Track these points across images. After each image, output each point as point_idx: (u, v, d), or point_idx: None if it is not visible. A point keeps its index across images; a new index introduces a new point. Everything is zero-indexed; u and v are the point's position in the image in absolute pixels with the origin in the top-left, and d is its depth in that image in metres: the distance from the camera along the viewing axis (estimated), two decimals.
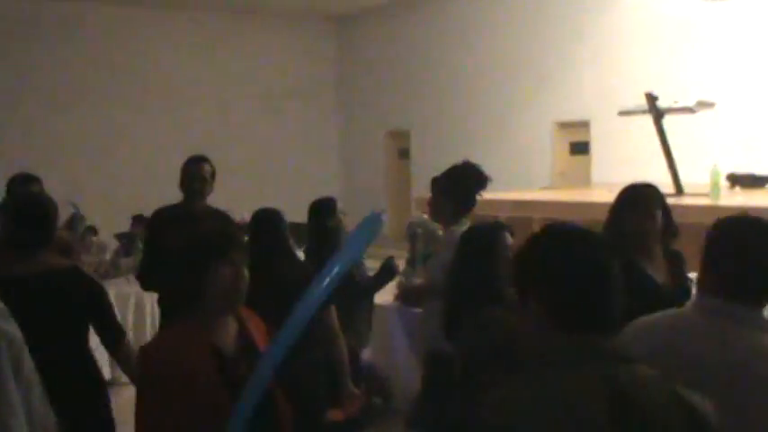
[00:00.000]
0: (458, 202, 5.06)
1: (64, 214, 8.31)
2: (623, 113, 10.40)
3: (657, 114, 9.69)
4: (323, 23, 19.82)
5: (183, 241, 2.92)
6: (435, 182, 5.36)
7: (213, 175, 5.74)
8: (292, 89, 19.34)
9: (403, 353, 6.36)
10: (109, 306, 3.93)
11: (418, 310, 5.57)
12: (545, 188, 13.78)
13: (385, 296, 6.65)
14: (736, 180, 11.49)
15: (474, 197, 5.15)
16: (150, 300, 7.91)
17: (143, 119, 17.60)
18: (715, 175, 9.07)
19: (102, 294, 3.87)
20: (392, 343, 6.47)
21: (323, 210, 5.82)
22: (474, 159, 15.39)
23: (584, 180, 14.46)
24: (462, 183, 5.09)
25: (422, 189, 17.06)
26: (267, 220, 4.77)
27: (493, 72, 16.18)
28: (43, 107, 16.60)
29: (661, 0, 13.48)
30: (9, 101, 16.18)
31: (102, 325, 3.81)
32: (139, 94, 17.59)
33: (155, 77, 17.76)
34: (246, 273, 2.81)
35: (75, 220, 10.68)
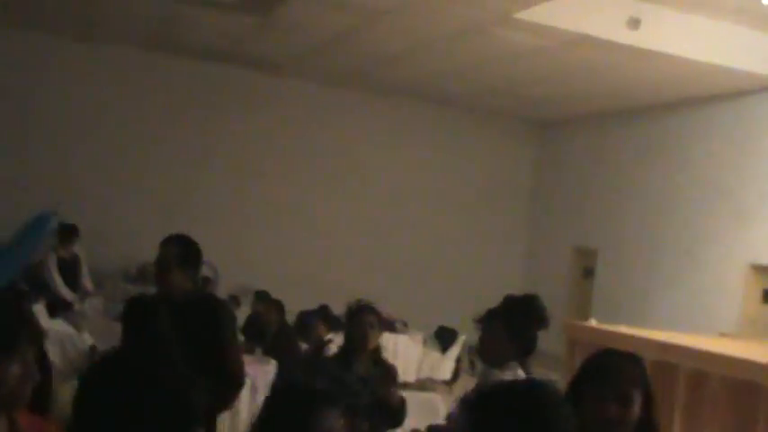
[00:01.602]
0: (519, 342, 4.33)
1: None
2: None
3: None
4: (526, 127, 19.31)
5: None
6: (494, 315, 4.43)
7: (184, 257, 4.79)
8: (485, 190, 18.90)
9: None
10: None
11: None
12: (723, 335, 12.39)
13: None
14: None
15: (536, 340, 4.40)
16: None
17: (326, 196, 17.74)
18: None
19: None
20: None
21: None
22: (656, 290, 14.18)
23: None
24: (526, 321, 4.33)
25: (602, 310, 16.14)
26: None
27: (688, 200, 14.98)
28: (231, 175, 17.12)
29: None
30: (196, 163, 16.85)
31: None
32: (329, 172, 17.75)
33: (349, 160, 17.88)
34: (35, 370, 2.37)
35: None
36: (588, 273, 17.56)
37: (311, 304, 12.71)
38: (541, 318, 4.31)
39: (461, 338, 12.45)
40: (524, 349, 4.32)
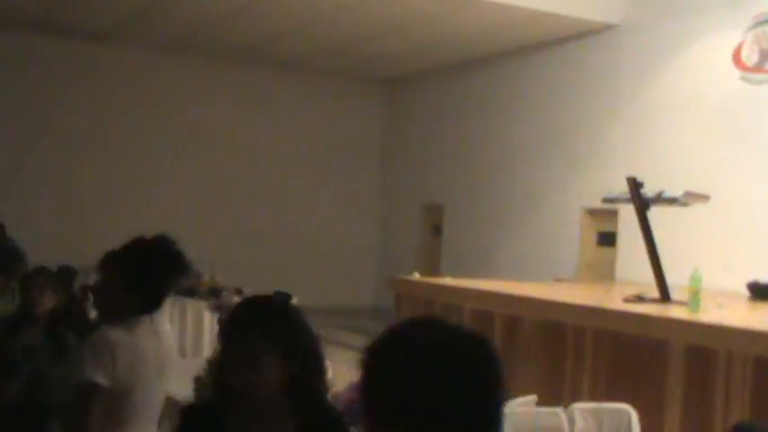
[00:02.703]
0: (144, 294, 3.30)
1: None
2: (606, 201, 9.11)
3: (641, 204, 8.37)
4: (372, 86, 19.03)
5: None
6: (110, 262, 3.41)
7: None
8: (335, 152, 18.58)
9: None
10: None
11: None
12: (558, 280, 12.43)
13: None
14: (759, 291, 9.96)
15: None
16: None
17: (171, 166, 17.09)
18: (695, 281, 7.65)
19: None
20: None
21: None
22: (501, 241, 14.03)
23: (609, 274, 13.03)
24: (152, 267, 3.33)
25: (451, 265, 16.11)
26: None
27: (527, 149, 15.00)
28: (62, 150, 16.32)
29: (699, 82, 12.11)
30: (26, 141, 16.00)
31: None
32: (169, 141, 17.11)
33: (190, 126, 17.25)
34: None
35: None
36: (437, 229, 17.47)
37: None
38: (172, 262, 3.33)
39: (292, 302, 12.10)
40: (149, 302, 3.31)
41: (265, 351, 2.28)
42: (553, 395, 7.77)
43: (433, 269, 16.76)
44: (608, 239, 13.34)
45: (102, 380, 2.96)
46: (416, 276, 10.91)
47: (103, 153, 16.56)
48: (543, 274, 13.27)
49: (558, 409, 5.38)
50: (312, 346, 2.39)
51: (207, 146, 17.38)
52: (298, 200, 18.15)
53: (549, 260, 13.94)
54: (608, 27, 13.58)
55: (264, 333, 2.31)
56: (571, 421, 5.35)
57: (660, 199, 8.23)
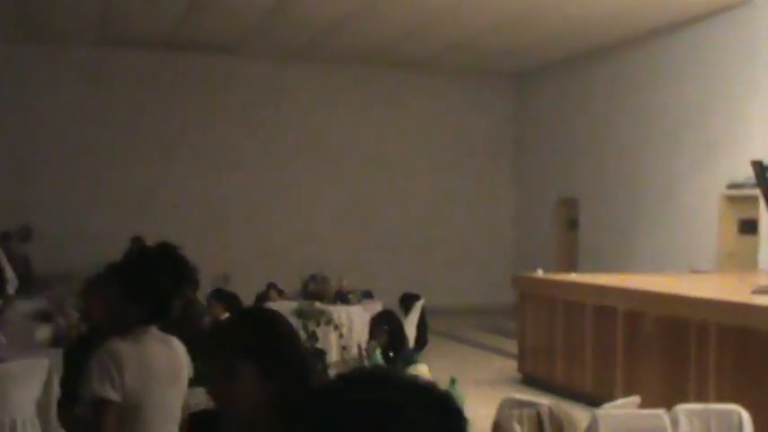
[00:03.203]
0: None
1: None
2: (732, 186, 8.60)
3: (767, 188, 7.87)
4: (499, 80, 18.73)
5: None
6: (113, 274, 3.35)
7: None
8: (465, 150, 18.42)
9: None
10: None
11: None
12: (695, 271, 11.85)
13: None
14: None
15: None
16: None
17: (302, 175, 17.38)
18: None
19: None
20: None
21: None
22: (637, 233, 13.76)
23: (752, 263, 12.30)
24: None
25: (588, 260, 15.68)
26: None
27: (661, 136, 14.39)
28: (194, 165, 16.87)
29: None
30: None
31: None
32: (303, 146, 17.39)
33: (319, 133, 17.49)
34: None
35: None
36: (573, 224, 17.02)
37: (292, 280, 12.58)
38: (177, 270, 3.25)
39: (419, 303, 12.00)
40: (156, 311, 3.24)
41: (237, 361, 2.20)
42: (676, 394, 7.42)
43: (570, 265, 16.34)
44: (750, 227, 12.60)
45: (111, 394, 2.97)
46: (540, 273, 10.65)
47: (238, 165, 16.98)
48: (681, 265, 12.70)
49: (661, 411, 5.10)
50: (297, 357, 2.29)
51: (336, 151, 17.57)
52: (431, 200, 18.09)
53: (686, 251, 13.32)
54: (742, 2, 12.86)
55: (236, 342, 2.24)
56: (675, 424, 5.07)
57: None
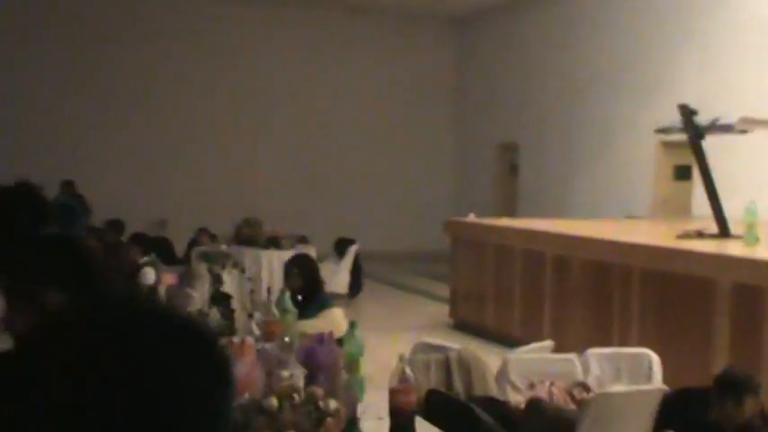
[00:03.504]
0: None
1: None
2: (659, 131, 8.56)
3: (695, 133, 7.82)
4: (442, 25, 18.51)
5: None
6: None
7: None
8: (408, 95, 18.22)
9: None
10: None
11: None
12: (630, 217, 11.88)
13: None
14: None
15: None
16: None
17: (239, 115, 17.06)
18: (750, 214, 7.12)
19: None
20: None
21: None
22: (576, 179, 13.66)
23: (686, 210, 12.36)
24: None
25: (528, 205, 15.69)
26: None
27: (599, 79, 14.33)
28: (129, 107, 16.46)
29: None
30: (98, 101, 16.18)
31: None
32: (239, 91, 17.05)
33: (260, 76, 17.15)
34: None
35: None
36: (514, 169, 16.98)
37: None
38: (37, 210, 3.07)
39: (352, 248, 11.90)
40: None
41: (45, 288, 2.02)
42: (602, 339, 7.42)
43: (510, 211, 16.35)
44: (684, 173, 12.63)
45: None
46: (472, 218, 10.58)
47: (176, 109, 16.62)
48: (618, 211, 12.73)
49: (572, 356, 5.06)
50: (105, 287, 2.11)
51: (276, 94, 17.26)
52: (370, 145, 17.91)
53: (623, 197, 13.34)
54: None
55: (45, 269, 2.06)
56: (586, 367, 5.03)
57: (714, 127, 7.66)
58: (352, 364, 4.16)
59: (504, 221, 10.13)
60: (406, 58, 18.19)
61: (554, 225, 9.58)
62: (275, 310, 5.19)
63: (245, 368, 4.08)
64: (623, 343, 7.11)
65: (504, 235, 9.44)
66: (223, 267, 7.52)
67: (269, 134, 17.23)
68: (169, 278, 7.97)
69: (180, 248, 12.19)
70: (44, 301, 2.00)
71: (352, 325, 4.51)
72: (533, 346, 5.36)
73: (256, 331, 4.39)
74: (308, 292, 5.91)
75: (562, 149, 15.24)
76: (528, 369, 4.95)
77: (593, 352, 5.12)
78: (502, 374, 4.93)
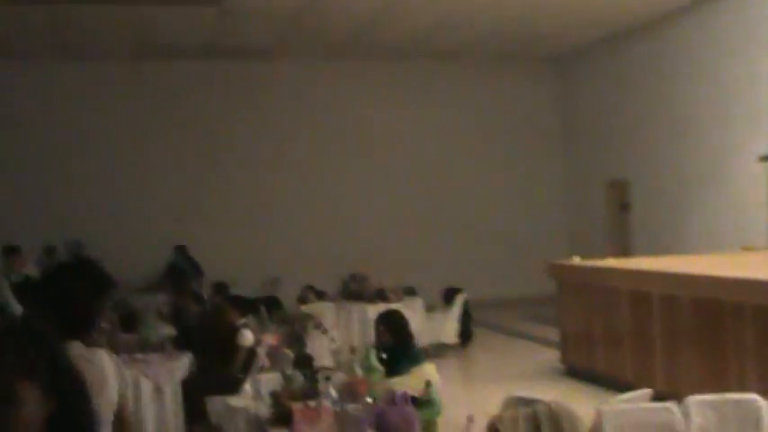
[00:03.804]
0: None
1: None
2: (764, 159, 8.16)
3: None
4: (541, 65, 18.30)
5: None
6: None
7: None
8: (510, 138, 18.04)
9: None
10: None
11: None
12: (746, 248, 11.36)
13: None
14: None
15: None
16: None
17: (347, 171, 17.24)
18: None
19: None
20: None
21: None
22: (689, 213, 13.26)
23: None
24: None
25: (642, 242, 15.22)
26: None
27: (709, 110, 13.84)
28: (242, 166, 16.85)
29: None
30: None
31: None
32: (345, 146, 17.25)
33: (363, 130, 17.29)
34: None
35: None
36: (624, 207, 16.51)
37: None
38: (97, 284, 3.27)
39: (459, 296, 11.76)
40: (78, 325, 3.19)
41: (18, 382, 1.94)
42: (717, 381, 7.07)
43: (624, 249, 15.91)
44: None
45: None
46: (576, 260, 10.31)
47: (280, 167, 16.90)
48: (734, 241, 12.22)
49: (671, 404, 4.80)
50: (73, 380, 2.04)
51: (377, 148, 17.34)
52: (476, 193, 17.73)
53: (738, 227, 12.80)
54: None
55: (15, 360, 1.99)
56: (686, 416, 4.76)
57: None
58: (429, 426, 4.07)
59: (608, 262, 9.82)
60: (508, 100, 18.04)
61: (659, 263, 9.25)
62: (358, 370, 5.14)
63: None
64: (741, 385, 6.75)
65: (609, 276, 9.16)
66: (305, 330, 7.57)
67: (374, 186, 17.31)
68: (269, 338, 8.07)
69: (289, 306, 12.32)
70: (18, 396, 1.95)
71: (428, 384, 4.42)
72: (630, 394, 5.12)
73: (334, 394, 4.35)
74: (398, 348, 5.85)
75: (673, 183, 14.77)
76: (624, 420, 4.72)
77: (695, 399, 4.84)
78: (596, 427, 4.71)
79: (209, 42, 15.27)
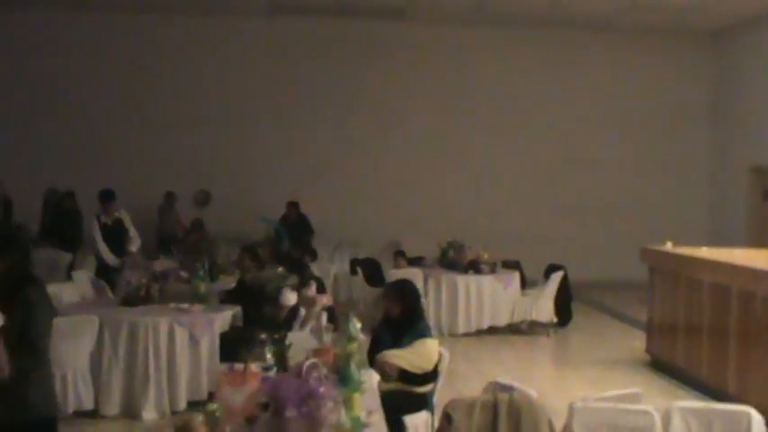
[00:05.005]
0: None
1: None
2: None
3: None
4: (696, 40, 17.18)
5: None
6: None
7: None
8: (658, 115, 17.11)
9: None
10: None
11: None
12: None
13: None
14: None
15: None
16: None
17: (478, 140, 16.91)
18: None
19: None
20: None
21: None
22: None
23: None
24: None
25: None
26: None
27: None
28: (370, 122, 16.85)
29: None
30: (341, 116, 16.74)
31: None
32: (477, 115, 16.91)
33: (499, 98, 16.89)
34: None
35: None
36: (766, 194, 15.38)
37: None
38: None
39: (556, 275, 11.23)
40: None
41: None
42: None
43: (764, 238, 14.84)
44: None
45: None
46: (669, 246, 9.68)
47: (412, 132, 16.79)
48: None
49: (651, 408, 4.43)
50: None
51: (512, 116, 16.92)
52: (614, 169, 16.98)
53: None
54: None
55: None
56: (667, 423, 4.37)
57: None
58: (347, 402, 3.91)
59: (695, 251, 9.11)
60: (655, 74, 17.12)
61: (741, 255, 8.53)
62: (326, 337, 5.05)
63: (242, 396, 3.96)
64: None
65: (694, 266, 8.53)
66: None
67: (507, 155, 16.90)
68: (324, 298, 8.13)
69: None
70: None
71: (347, 361, 4.24)
72: (612, 393, 4.74)
73: (270, 359, 4.26)
74: (404, 320, 5.70)
75: None
76: (596, 421, 4.39)
77: (678, 405, 4.45)
78: (567, 425, 4.41)
79: (341, 1, 15.28)
